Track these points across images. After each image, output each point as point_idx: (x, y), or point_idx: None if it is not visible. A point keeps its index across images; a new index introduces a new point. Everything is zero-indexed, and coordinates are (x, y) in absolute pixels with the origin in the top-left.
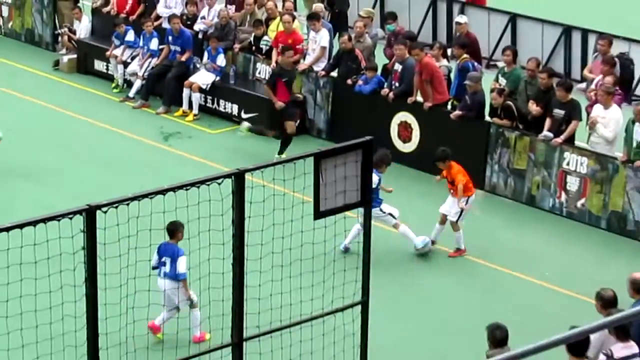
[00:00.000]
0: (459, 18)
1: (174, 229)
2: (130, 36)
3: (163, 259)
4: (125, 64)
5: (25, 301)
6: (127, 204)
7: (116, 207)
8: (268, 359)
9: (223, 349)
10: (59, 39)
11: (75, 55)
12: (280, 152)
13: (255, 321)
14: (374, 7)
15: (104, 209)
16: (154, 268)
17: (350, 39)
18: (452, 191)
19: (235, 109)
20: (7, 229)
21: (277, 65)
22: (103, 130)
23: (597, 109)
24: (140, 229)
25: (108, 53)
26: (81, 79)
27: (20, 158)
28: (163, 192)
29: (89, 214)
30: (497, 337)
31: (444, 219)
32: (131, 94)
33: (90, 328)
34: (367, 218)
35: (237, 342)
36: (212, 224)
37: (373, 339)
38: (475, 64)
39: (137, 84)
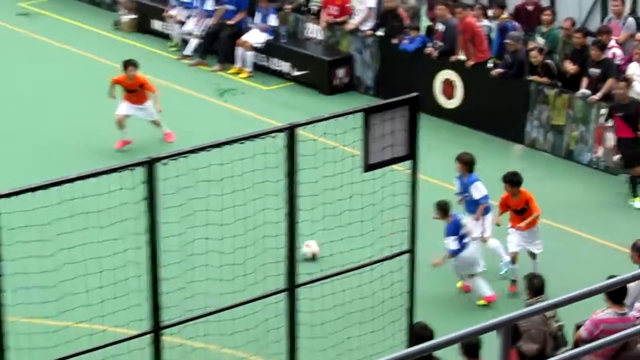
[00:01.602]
0: None
1: None
2: None
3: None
4: (182, 24)
5: (90, 249)
6: (186, 157)
7: (175, 160)
8: (320, 305)
9: (276, 294)
10: (119, 0)
11: (134, 15)
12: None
13: (308, 268)
14: None
15: (164, 161)
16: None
17: None
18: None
19: (286, 66)
20: (72, 180)
21: (613, 99)
22: (161, 87)
23: (633, 67)
24: (198, 181)
25: (165, 13)
26: (140, 38)
27: (83, 112)
28: (220, 145)
29: (150, 165)
30: (536, 286)
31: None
32: (188, 52)
33: (151, 274)
34: (414, 171)
35: (290, 288)
36: (266, 176)
37: (419, 286)
38: (515, 23)
39: (194, 42)
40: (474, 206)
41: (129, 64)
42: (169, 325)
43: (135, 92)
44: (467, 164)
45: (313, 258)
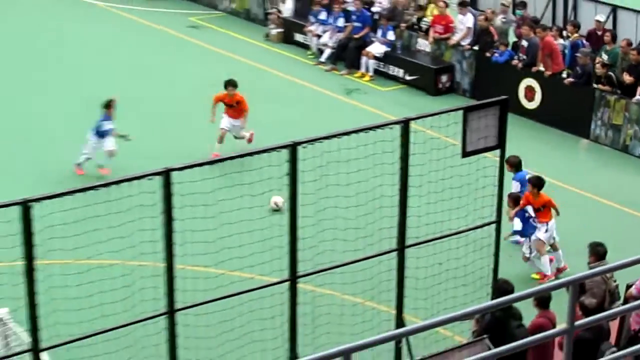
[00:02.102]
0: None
1: None
2: (323, 15)
3: None
4: (319, 37)
5: (243, 213)
6: (321, 142)
7: (312, 144)
8: (424, 262)
9: (389, 253)
10: (269, 17)
11: (281, 29)
12: None
13: (414, 233)
14: None
15: (304, 145)
16: None
17: (486, 19)
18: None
19: (401, 72)
20: (227, 159)
21: None
22: (301, 86)
23: None
24: (330, 161)
25: (306, 28)
26: (285, 48)
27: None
28: (348, 133)
29: (293, 148)
30: (600, 252)
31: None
32: (322, 59)
33: (290, 234)
34: (502, 158)
35: (400, 248)
36: (384, 159)
37: (503, 252)
38: (584, 41)
39: (327, 52)
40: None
41: (229, 84)
42: (303, 275)
43: (233, 107)
44: (512, 165)
45: (277, 208)
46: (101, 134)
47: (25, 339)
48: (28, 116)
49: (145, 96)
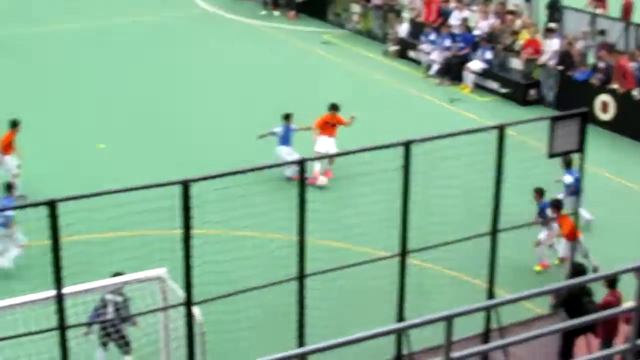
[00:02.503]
0: None
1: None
2: (433, 37)
3: None
4: (428, 54)
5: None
6: (431, 141)
7: (423, 143)
8: (512, 244)
9: (484, 236)
10: (388, 36)
11: (398, 47)
12: None
13: (506, 219)
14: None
15: (416, 144)
16: None
17: (569, 43)
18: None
19: (496, 85)
20: (353, 152)
21: None
22: (413, 95)
23: None
24: (436, 158)
25: (418, 47)
26: (400, 63)
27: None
28: (454, 134)
29: (407, 147)
30: None
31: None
32: (431, 73)
33: (403, 218)
34: (582, 160)
35: (493, 232)
36: (481, 158)
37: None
38: None
39: (435, 67)
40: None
41: (333, 107)
42: (412, 251)
43: (334, 126)
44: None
45: None
46: (285, 142)
47: (181, 294)
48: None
49: (297, 103)
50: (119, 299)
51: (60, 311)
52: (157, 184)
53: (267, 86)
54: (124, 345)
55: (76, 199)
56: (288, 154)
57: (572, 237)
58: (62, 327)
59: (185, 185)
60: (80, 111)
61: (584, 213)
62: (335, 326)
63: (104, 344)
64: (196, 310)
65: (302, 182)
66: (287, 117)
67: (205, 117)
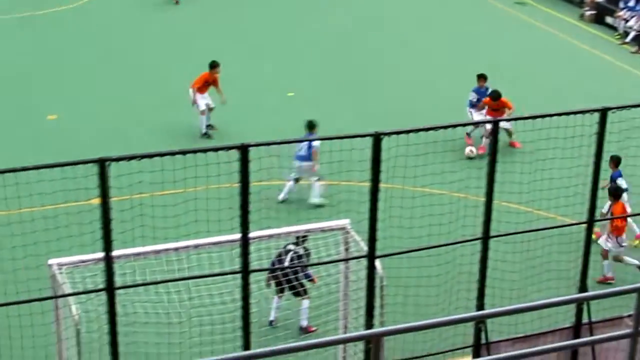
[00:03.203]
0: None
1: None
2: (632, 3)
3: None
4: (626, 21)
5: None
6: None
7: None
8: None
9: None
10: (585, 0)
11: (594, 12)
12: None
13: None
14: None
15: (613, 111)
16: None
17: None
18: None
19: None
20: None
21: None
22: (607, 61)
23: None
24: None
25: (616, 13)
26: (596, 28)
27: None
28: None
29: (603, 114)
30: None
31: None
32: (627, 40)
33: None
34: None
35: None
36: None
37: None
38: None
39: (632, 34)
40: None
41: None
42: (598, 220)
43: (498, 110)
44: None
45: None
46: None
47: (363, 246)
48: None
49: (487, 61)
50: (301, 251)
51: (245, 255)
52: (347, 135)
53: (458, 43)
54: (302, 293)
55: (266, 145)
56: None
57: None
58: (246, 271)
59: (377, 138)
60: (274, 59)
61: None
62: (516, 289)
63: (281, 291)
64: (378, 264)
65: (495, 142)
66: (481, 77)
67: (397, 70)
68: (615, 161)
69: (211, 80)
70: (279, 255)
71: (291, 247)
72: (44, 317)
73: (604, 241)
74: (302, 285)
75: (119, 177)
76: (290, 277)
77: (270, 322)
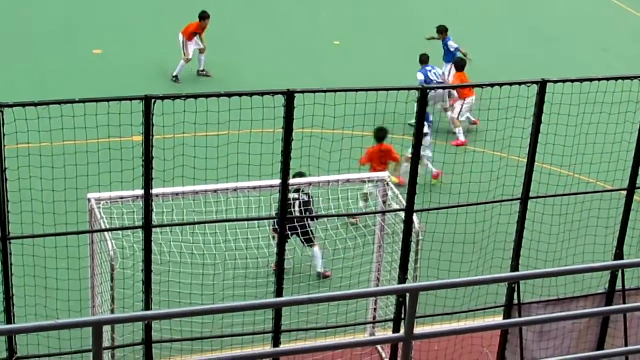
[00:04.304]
0: None
1: None
2: None
3: None
4: None
5: None
6: None
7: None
8: None
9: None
10: None
11: None
12: None
13: None
14: None
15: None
16: None
17: None
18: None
19: None
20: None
21: None
22: None
23: None
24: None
25: None
26: None
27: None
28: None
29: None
30: None
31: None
32: None
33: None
34: None
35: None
36: None
37: None
38: None
39: None
40: None
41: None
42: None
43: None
44: None
45: None
46: None
47: (402, 200)
48: None
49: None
50: (305, 197)
51: (284, 201)
52: (392, 87)
53: (548, 23)
54: (309, 241)
55: (312, 92)
56: None
57: None
58: (284, 217)
59: (423, 91)
60: (318, 7)
61: None
62: (551, 252)
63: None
64: (415, 218)
65: (542, 103)
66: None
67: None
68: None
69: (200, 31)
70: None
71: (294, 195)
72: (80, 251)
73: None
74: (312, 232)
75: (163, 115)
76: (298, 224)
77: (320, 275)
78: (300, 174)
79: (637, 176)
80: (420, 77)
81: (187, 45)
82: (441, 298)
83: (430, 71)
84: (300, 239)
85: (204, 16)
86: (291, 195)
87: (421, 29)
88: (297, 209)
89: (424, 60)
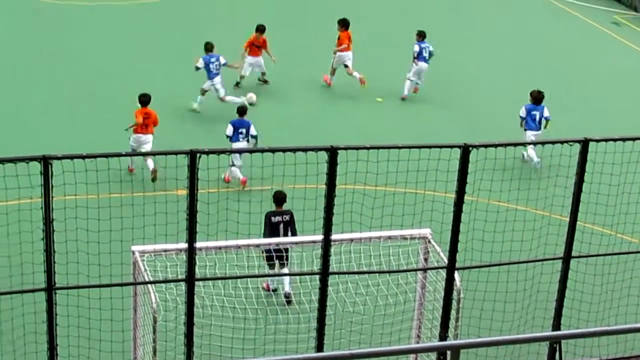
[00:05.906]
0: None
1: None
2: None
3: (240, 130)
4: None
5: None
6: None
7: None
8: None
9: None
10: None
11: None
12: None
13: None
14: None
15: None
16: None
17: None
18: None
19: None
20: None
21: None
22: None
23: None
24: None
25: None
26: None
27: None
28: None
29: None
30: None
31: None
32: None
33: None
34: None
35: None
36: None
37: None
38: None
39: None
40: None
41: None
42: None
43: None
44: None
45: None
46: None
47: (443, 257)
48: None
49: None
50: (287, 217)
51: (326, 257)
52: (434, 144)
53: (548, 58)
54: (284, 259)
55: (355, 149)
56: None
57: None
58: (325, 273)
59: (465, 149)
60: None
61: None
62: (594, 312)
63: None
64: (457, 276)
65: (584, 162)
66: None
67: (483, 85)
68: None
69: (258, 43)
70: (271, 228)
71: (278, 218)
72: (123, 302)
73: None
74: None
75: (208, 170)
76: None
77: (287, 295)
78: (280, 192)
79: None
80: (416, 48)
81: (247, 58)
82: (482, 357)
83: (425, 49)
84: (278, 260)
85: (259, 28)
86: (276, 219)
87: (472, 89)
88: (281, 230)
89: (422, 35)
